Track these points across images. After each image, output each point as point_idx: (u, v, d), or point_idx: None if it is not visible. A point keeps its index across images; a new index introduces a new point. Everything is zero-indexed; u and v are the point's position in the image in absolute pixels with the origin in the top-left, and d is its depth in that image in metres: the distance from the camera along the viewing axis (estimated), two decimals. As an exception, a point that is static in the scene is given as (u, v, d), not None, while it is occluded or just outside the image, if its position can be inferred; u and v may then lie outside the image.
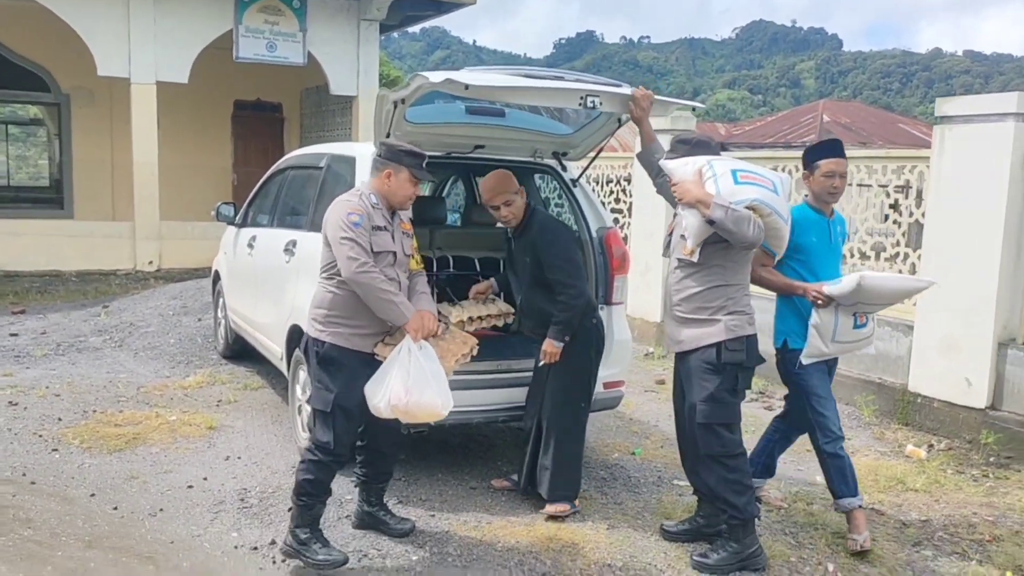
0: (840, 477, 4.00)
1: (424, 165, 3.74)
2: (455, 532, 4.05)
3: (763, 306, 4.13)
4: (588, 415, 4.47)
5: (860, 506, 4.02)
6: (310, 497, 3.69)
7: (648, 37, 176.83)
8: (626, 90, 4.15)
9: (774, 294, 4.12)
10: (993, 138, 5.50)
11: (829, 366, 4.13)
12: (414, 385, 3.53)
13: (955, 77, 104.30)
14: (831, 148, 4.05)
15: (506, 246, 4.58)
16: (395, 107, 4.18)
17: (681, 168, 3.75)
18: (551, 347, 4.19)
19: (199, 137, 14.20)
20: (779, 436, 4.42)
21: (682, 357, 3.88)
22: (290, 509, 3.79)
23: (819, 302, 3.85)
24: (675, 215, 3.98)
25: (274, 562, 3.72)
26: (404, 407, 3.55)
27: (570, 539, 3.99)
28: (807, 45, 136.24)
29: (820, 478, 4.97)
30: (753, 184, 3.64)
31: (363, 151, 4.81)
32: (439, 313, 3.98)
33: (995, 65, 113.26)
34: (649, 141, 4.24)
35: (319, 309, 3.72)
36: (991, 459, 5.35)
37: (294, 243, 5.25)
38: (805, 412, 4.07)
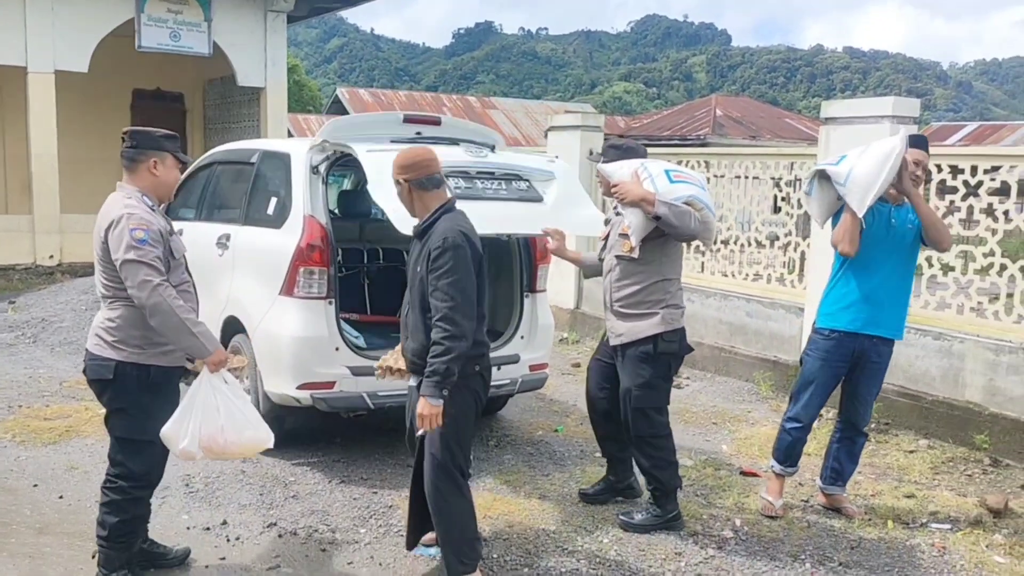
0: (782, 446, 4.36)
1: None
2: (398, 507, 4.32)
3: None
4: (468, 485, 3.53)
5: (780, 474, 4.41)
6: (128, 536, 3.35)
7: (546, 29, 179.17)
8: (537, 233, 4.61)
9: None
10: (871, 138, 6.09)
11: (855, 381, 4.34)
12: (230, 423, 3.25)
13: (835, 72, 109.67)
14: (916, 140, 4.15)
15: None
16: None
17: (619, 171, 4.11)
18: (427, 408, 3.20)
19: (98, 128, 13.71)
20: (839, 437, 4.49)
21: (620, 348, 4.17)
22: (96, 554, 3.43)
23: None
24: (607, 220, 4.35)
25: (228, 540, 3.92)
26: (222, 448, 3.29)
27: (506, 509, 4.33)
28: (698, 40, 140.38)
29: (726, 447, 5.49)
30: (686, 183, 4.05)
31: (298, 147, 5.01)
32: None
33: (872, 61, 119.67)
34: (579, 261, 4.65)
35: (129, 330, 3.21)
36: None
37: (227, 237, 5.38)
38: (854, 405, 4.38)
